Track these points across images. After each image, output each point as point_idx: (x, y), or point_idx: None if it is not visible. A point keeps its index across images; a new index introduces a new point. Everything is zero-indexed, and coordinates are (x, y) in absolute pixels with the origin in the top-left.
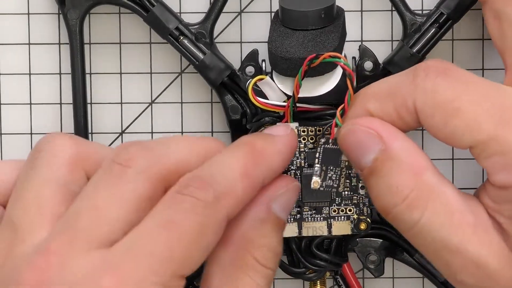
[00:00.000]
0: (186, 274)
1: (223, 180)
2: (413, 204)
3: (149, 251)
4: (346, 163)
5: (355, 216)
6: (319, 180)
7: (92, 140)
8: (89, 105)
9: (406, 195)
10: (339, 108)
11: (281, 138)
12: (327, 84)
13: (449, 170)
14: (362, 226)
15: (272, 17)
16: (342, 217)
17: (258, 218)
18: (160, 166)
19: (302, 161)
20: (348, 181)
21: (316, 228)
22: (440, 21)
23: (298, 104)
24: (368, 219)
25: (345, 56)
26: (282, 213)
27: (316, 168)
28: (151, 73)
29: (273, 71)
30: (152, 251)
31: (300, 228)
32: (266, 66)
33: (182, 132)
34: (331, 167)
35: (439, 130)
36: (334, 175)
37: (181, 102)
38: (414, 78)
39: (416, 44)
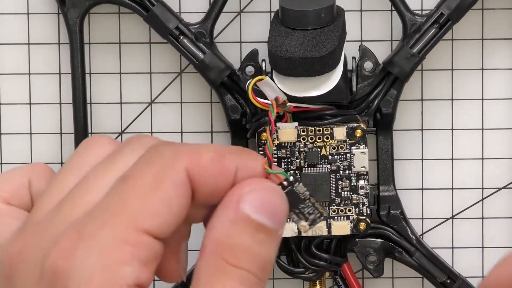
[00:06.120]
0: (149, 228)
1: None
2: None
3: (104, 204)
4: (307, 192)
5: (355, 216)
6: (304, 223)
7: None
8: (88, 105)
9: None
10: (265, 161)
11: None
12: (327, 83)
13: (449, 170)
14: (362, 226)
15: (272, 17)
16: (342, 217)
17: (228, 219)
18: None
19: (302, 161)
20: (344, 182)
21: (315, 228)
22: (440, 21)
23: (298, 104)
24: (367, 219)
25: (345, 56)
26: (256, 214)
27: (292, 216)
28: (150, 72)
29: (273, 70)
30: (106, 204)
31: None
32: (266, 66)
33: (181, 132)
34: (301, 205)
35: None
36: (309, 209)
37: (181, 102)
38: None
39: (416, 44)
